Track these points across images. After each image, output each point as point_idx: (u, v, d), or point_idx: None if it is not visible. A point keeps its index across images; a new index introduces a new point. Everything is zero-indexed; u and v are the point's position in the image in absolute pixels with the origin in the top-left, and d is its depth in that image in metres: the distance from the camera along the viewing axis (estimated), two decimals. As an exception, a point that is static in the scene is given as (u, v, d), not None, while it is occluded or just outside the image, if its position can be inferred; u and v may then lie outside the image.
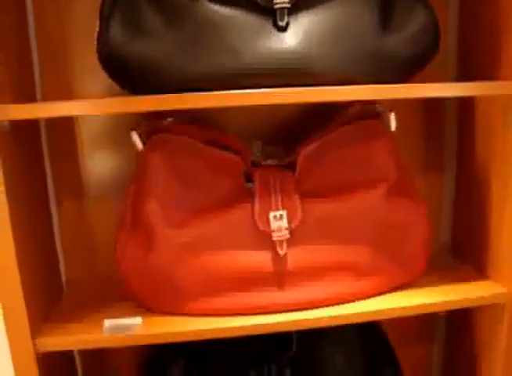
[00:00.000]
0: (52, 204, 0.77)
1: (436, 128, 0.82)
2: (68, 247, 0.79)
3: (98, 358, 0.85)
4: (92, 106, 0.55)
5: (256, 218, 0.63)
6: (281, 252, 0.62)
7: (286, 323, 0.64)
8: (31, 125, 0.69)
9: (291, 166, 0.68)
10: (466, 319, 0.81)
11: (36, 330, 0.63)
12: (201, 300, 0.64)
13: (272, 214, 0.62)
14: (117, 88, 0.62)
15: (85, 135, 0.76)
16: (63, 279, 0.79)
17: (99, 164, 0.77)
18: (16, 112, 0.55)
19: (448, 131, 0.83)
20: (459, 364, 0.85)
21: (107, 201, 0.78)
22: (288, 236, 0.62)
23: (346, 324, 0.68)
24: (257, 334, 0.67)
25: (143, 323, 0.64)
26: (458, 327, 0.85)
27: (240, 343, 0.72)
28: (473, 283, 0.72)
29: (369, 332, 0.75)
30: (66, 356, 0.78)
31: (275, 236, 0.62)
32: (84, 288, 0.77)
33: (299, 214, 0.63)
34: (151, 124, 0.66)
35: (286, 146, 0.72)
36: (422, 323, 0.92)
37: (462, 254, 0.82)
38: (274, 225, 0.62)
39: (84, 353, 0.84)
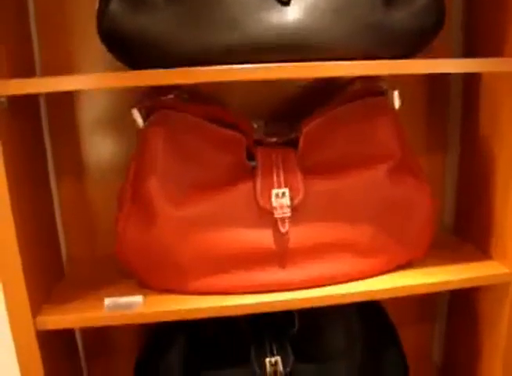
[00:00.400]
0: (52, 183, 0.76)
1: (440, 106, 0.81)
2: (69, 226, 0.78)
3: (99, 338, 0.85)
4: (93, 80, 0.54)
5: (258, 195, 0.62)
6: (283, 230, 0.62)
7: (288, 301, 0.63)
8: (30, 102, 0.68)
9: (294, 143, 0.67)
10: (469, 300, 0.80)
11: (36, 309, 0.62)
12: (202, 278, 0.63)
13: (274, 191, 0.62)
14: (117, 63, 0.61)
15: (86, 113, 0.75)
16: (64, 258, 0.79)
17: (99, 143, 0.76)
18: (15, 87, 0.54)
19: (453, 110, 0.82)
20: (461, 345, 0.85)
21: (108, 180, 0.77)
22: (290, 214, 0.62)
23: (348, 303, 0.68)
24: (258, 313, 0.67)
25: (144, 301, 0.64)
26: (460, 308, 0.85)
27: (241, 321, 0.71)
28: (476, 263, 0.72)
29: (370, 311, 0.75)
30: (67, 336, 0.78)
31: (277, 214, 0.61)
32: (84, 267, 0.76)
33: (301, 191, 0.62)
34: (152, 101, 0.65)
35: (289, 123, 0.71)
36: (424, 304, 0.91)
37: (465, 234, 0.81)
38: (276, 202, 0.62)
39: (85, 333, 0.84)
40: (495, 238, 0.72)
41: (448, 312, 0.90)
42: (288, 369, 0.69)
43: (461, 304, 0.85)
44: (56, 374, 0.68)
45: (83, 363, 0.85)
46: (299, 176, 0.63)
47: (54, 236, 0.76)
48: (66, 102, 0.74)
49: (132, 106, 0.63)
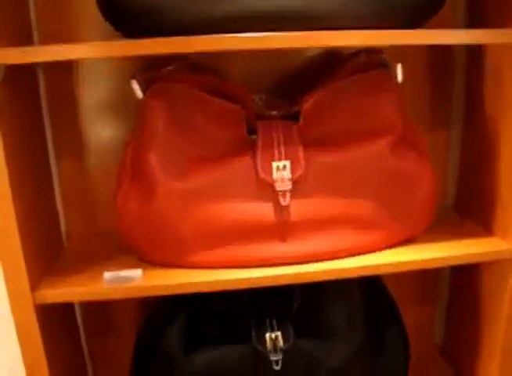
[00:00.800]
0: (51, 158, 0.75)
1: (444, 81, 0.80)
2: (68, 201, 0.78)
3: (99, 315, 0.84)
4: (92, 49, 0.53)
5: (258, 168, 0.61)
6: (284, 203, 0.61)
7: (289, 275, 0.63)
8: (28, 73, 0.68)
9: (295, 117, 0.66)
10: (470, 280, 0.80)
11: (35, 283, 0.62)
12: (202, 252, 0.63)
13: (274, 164, 0.61)
14: (115, 34, 0.60)
15: (85, 89, 0.74)
16: (64, 234, 0.79)
17: (99, 117, 0.75)
18: (13, 56, 0.53)
19: (457, 85, 0.81)
20: (462, 325, 0.85)
21: (108, 155, 0.76)
22: (291, 186, 0.61)
23: (349, 279, 0.68)
24: (258, 288, 0.66)
25: (144, 275, 0.63)
26: (461, 288, 0.85)
27: (242, 297, 0.71)
28: (478, 239, 0.71)
29: (372, 288, 0.74)
30: (67, 312, 0.78)
31: (278, 187, 0.61)
32: (84, 243, 0.76)
33: (302, 164, 0.61)
34: (151, 72, 0.64)
35: (291, 97, 0.70)
36: (425, 284, 0.91)
37: (467, 211, 0.80)
38: (277, 175, 0.61)
39: (85, 310, 0.84)
40: (498, 214, 0.72)
41: (450, 293, 0.90)
42: (288, 345, 0.69)
43: (462, 284, 0.84)
44: (56, 350, 0.68)
45: (83, 340, 0.85)
46: (300, 149, 0.62)
47: (53, 211, 0.75)
48: (65, 77, 0.73)
49: (131, 77, 0.62)
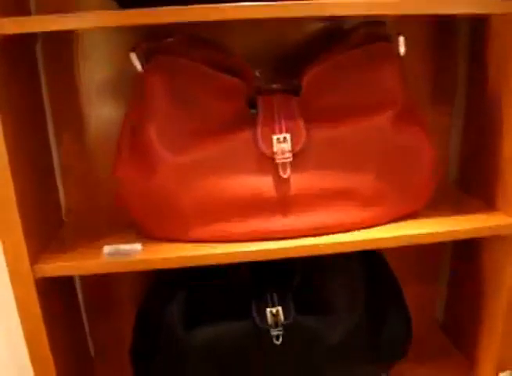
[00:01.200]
0: (50, 132, 0.75)
1: (447, 54, 0.79)
2: (68, 177, 0.77)
3: (100, 290, 0.84)
4: (89, 19, 0.53)
5: (259, 141, 0.61)
6: (284, 176, 0.61)
7: (289, 249, 0.62)
8: (27, 48, 0.67)
9: (296, 91, 0.65)
10: (472, 255, 0.80)
11: (35, 257, 0.62)
12: (203, 225, 0.63)
13: (275, 137, 0.61)
14: (111, 6, 0.59)
15: (85, 62, 0.73)
16: (63, 209, 0.78)
17: (99, 93, 0.74)
18: (8, 26, 0.52)
19: (460, 59, 0.79)
20: (464, 302, 0.85)
21: (107, 129, 0.76)
22: (291, 159, 0.60)
23: (350, 254, 0.67)
24: (259, 263, 0.66)
25: (143, 249, 0.63)
26: (463, 263, 0.84)
27: (242, 272, 0.71)
28: (481, 214, 0.70)
29: (373, 263, 0.74)
30: (67, 287, 0.78)
31: (278, 159, 0.60)
32: (84, 218, 0.76)
33: (303, 137, 0.61)
34: (151, 45, 0.63)
35: (292, 71, 0.69)
36: (427, 261, 0.91)
37: (470, 187, 0.80)
38: (277, 147, 0.60)
39: (86, 285, 0.84)
40: (501, 190, 0.71)
41: (451, 269, 0.89)
42: (289, 320, 0.69)
43: (464, 260, 0.84)
44: (56, 324, 0.68)
45: (84, 316, 0.85)
46: (301, 122, 0.61)
47: (53, 186, 0.75)
48: (64, 53, 0.72)
49: (130, 50, 0.62)
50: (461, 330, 0.86)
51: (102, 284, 0.84)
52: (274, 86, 0.66)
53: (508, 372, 0.76)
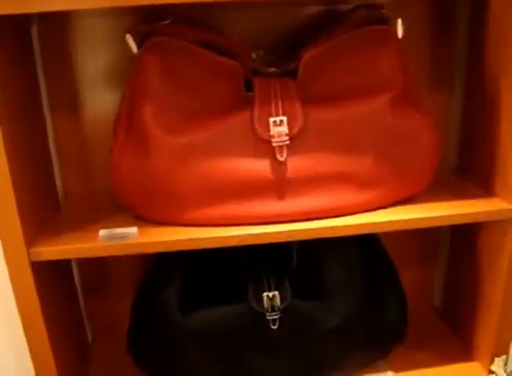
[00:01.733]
0: (46, 116, 0.74)
1: (445, 38, 0.78)
2: (64, 161, 0.77)
3: (96, 275, 0.84)
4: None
5: (255, 123, 0.60)
6: (281, 159, 0.60)
7: (286, 232, 0.62)
8: (21, 28, 0.66)
9: (293, 74, 0.65)
10: (470, 240, 0.80)
11: (31, 240, 0.62)
12: (198, 209, 0.62)
13: (271, 119, 0.60)
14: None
15: (80, 43, 0.72)
16: (60, 193, 0.78)
17: (95, 73, 0.74)
18: (4, 6, 0.51)
19: (459, 42, 0.79)
20: (461, 286, 0.85)
21: (104, 112, 0.75)
22: (288, 142, 0.60)
23: (347, 238, 0.67)
24: (255, 248, 0.66)
25: (139, 232, 0.63)
26: (461, 248, 0.84)
27: (239, 256, 0.71)
28: (479, 199, 0.70)
29: (370, 247, 0.74)
30: (64, 271, 0.78)
31: (275, 142, 0.60)
32: (81, 202, 0.76)
33: (300, 120, 0.60)
34: (147, 27, 0.62)
35: (289, 53, 0.69)
36: (424, 246, 0.91)
37: (468, 172, 0.79)
38: (274, 130, 0.60)
39: (82, 269, 0.84)
40: (499, 175, 0.71)
41: (449, 254, 0.89)
42: (286, 304, 0.69)
43: (461, 245, 0.84)
44: (53, 307, 0.68)
45: (81, 300, 0.85)
46: (298, 105, 0.61)
47: (49, 170, 0.75)
48: (59, 34, 0.72)
49: (126, 32, 0.61)
50: (458, 315, 0.86)
51: (99, 269, 0.84)
52: (271, 69, 0.66)
53: (504, 357, 0.76)
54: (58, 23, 0.71)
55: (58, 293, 0.73)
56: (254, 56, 0.68)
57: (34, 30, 0.71)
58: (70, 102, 0.75)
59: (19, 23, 0.65)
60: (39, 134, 0.71)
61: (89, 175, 0.78)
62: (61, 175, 0.78)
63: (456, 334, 0.86)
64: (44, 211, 0.68)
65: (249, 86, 0.64)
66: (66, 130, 0.76)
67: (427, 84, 0.80)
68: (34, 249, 0.61)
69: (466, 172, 0.80)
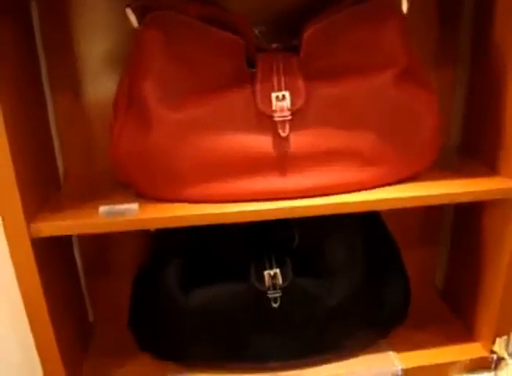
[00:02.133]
0: (47, 95, 0.74)
1: (451, 13, 0.77)
2: (65, 140, 0.76)
3: (98, 253, 0.84)
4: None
5: (257, 98, 0.60)
6: (283, 134, 0.60)
7: (287, 209, 0.62)
8: (21, 5, 0.65)
9: (296, 50, 0.64)
10: (473, 221, 0.79)
11: (31, 216, 0.61)
12: (199, 185, 0.62)
13: (274, 94, 0.59)
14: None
15: (81, 19, 0.71)
16: (61, 172, 0.78)
17: (95, 50, 0.73)
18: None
19: (464, 18, 0.77)
20: (464, 267, 0.84)
21: (105, 90, 0.74)
22: (290, 117, 0.59)
23: (349, 217, 0.67)
24: (257, 225, 0.65)
25: (140, 208, 0.62)
26: (464, 229, 0.83)
27: (241, 235, 0.70)
28: (483, 178, 0.69)
29: (372, 226, 0.73)
30: (65, 249, 0.78)
31: (277, 117, 0.59)
32: (82, 181, 0.75)
33: (303, 95, 0.60)
34: (147, 1, 0.62)
35: (292, 29, 0.68)
36: (427, 225, 0.90)
37: (473, 151, 0.78)
38: (276, 106, 0.59)
39: (84, 248, 0.84)
40: (503, 154, 0.70)
41: (452, 235, 0.89)
42: (287, 282, 0.68)
43: (465, 226, 0.83)
44: (54, 286, 0.68)
45: (82, 279, 0.85)
46: (300, 80, 0.60)
47: (50, 150, 0.74)
48: (59, 9, 0.71)
49: (127, 6, 0.60)
50: (460, 296, 0.86)
51: (100, 248, 0.84)
52: (274, 45, 0.65)
53: (505, 338, 0.76)
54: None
55: (59, 271, 0.72)
56: (256, 32, 0.67)
57: (34, 5, 0.70)
58: (70, 80, 0.74)
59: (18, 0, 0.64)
60: (40, 113, 0.71)
61: (90, 155, 0.78)
62: (62, 155, 0.77)
63: (458, 315, 0.86)
64: (44, 190, 0.68)
65: (251, 63, 0.63)
66: (66, 110, 0.75)
67: (432, 60, 0.79)
68: (34, 225, 0.61)
69: (469, 151, 0.79)
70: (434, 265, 0.93)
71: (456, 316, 0.87)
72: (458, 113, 0.82)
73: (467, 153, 0.80)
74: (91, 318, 0.89)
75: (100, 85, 0.74)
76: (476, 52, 0.76)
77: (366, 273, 0.71)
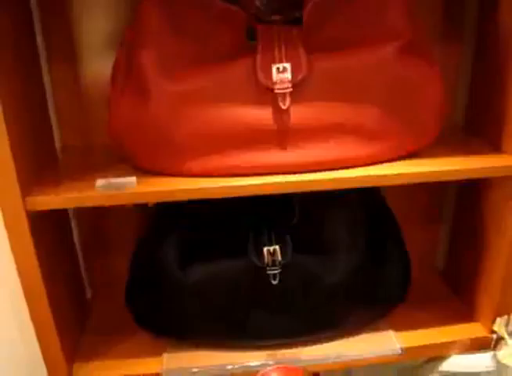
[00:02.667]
0: (44, 70, 0.72)
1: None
2: (62, 114, 0.75)
3: (96, 230, 0.84)
4: None
5: (258, 70, 0.58)
6: (283, 107, 0.58)
7: (288, 183, 0.61)
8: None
9: (298, 22, 0.62)
10: (476, 201, 0.78)
11: (27, 190, 0.60)
12: (198, 158, 0.61)
13: (274, 66, 0.58)
14: None
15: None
16: (58, 147, 0.76)
17: (93, 21, 0.71)
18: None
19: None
20: (465, 248, 0.83)
21: (103, 63, 0.73)
22: (291, 89, 0.58)
23: (350, 193, 0.66)
24: (256, 201, 0.65)
25: (138, 182, 0.61)
26: (467, 207, 0.83)
27: (240, 211, 0.69)
28: (487, 155, 0.68)
29: (374, 204, 0.72)
30: (63, 225, 0.77)
31: (278, 89, 0.58)
32: (79, 155, 0.74)
33: (304, 67, 0.58)
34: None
35: (294, 2, 0.66)
36: (430, 205, 0.89)
37: (477, 130, 0.77)
38: (276, 77, 0.58)
39: (81, 223, 0.83)
40: (508, 132, 0.69)
41: (454, 215, 0.88)
42: (287, 259, 0.68)
43: (467, 205, 0.82)
44: (51, 262, 0.67)
45: (80, 257, 0.84)
46: (302, 52, 0.59)
47: (46, 124, 0.73)
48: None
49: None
50: (460, 275, 0.85)
51: (98, 224, 0.83)
52: (275, 17, 0.64)
53: (506, 317, 0.76)
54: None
55: (56, 247, 0.72)
56: (257, 3, 0.65)
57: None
58: (68, 55, 0.72)
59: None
60: (36, 86, 0.69)
61: (87, 128, 0.77)
62: (59, 128, 0.76)
63: (458, 294, 0.86)
64: (41, 163, 0.67)
65: (252, 35, 0.62)
66: (63, 82, 0.74)
67: (437, 37, 0.77)
68: (29, 198, 0.60)
69: (474, 130, 0.78)
70: (435, 244, 0.92)
71: (456, 296, 0.86)
72: (463, 92, 0.81)
73: (472, 131, 0.79)
74: (88, 295, 0.88)
75: (98, 58, 0.73)
76: (481, 30, 0.75)
77: (367, 251, 0.70)
